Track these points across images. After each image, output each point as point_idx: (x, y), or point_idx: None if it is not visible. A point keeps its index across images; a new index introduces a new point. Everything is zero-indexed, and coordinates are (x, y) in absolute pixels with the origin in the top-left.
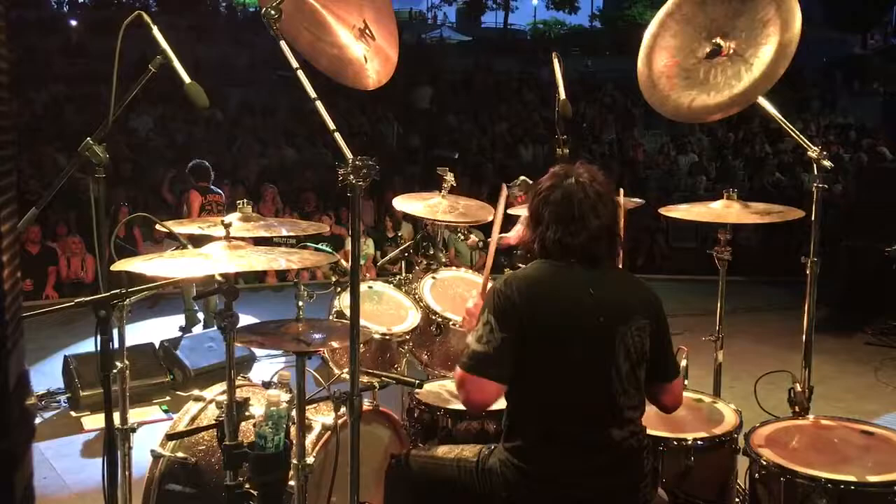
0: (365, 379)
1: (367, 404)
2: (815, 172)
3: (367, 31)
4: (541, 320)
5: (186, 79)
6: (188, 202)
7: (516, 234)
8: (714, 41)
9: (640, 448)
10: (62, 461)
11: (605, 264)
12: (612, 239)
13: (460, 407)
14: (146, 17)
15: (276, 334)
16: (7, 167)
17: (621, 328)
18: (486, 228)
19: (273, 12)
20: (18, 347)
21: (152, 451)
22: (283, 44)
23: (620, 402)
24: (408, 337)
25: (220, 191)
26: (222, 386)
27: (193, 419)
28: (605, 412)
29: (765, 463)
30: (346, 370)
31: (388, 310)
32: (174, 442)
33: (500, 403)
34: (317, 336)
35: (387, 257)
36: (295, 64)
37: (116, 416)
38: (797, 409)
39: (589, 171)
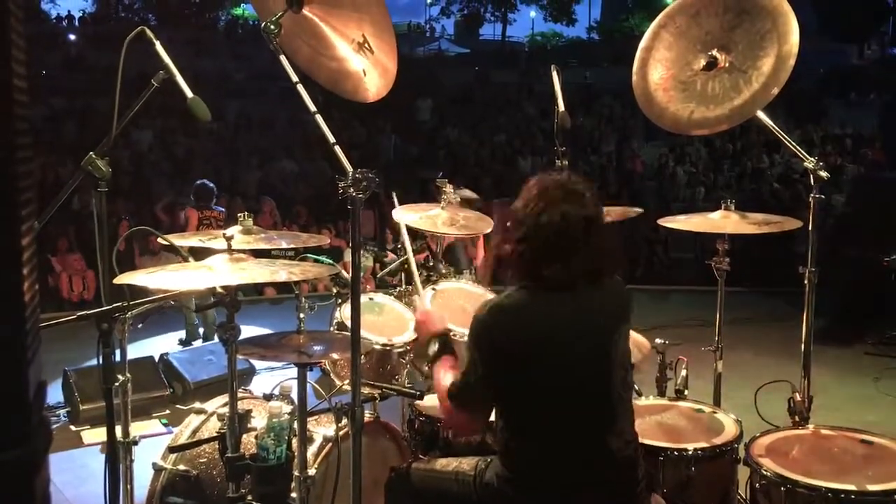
0: (366, 390)
1: (367, 416)
2: (813, 183)
3: (366, 44)
4: (529, 340)
5: (189, 93)
6: (186, 219)
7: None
8: (710, 53)
9: (637, 458)
10: (62, 475)
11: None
12: (613, 258)
13: None
14: (149, 33)
15: (278, 346)
16: (28, 182)
17: (614, 337)
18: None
19: (273, 27)
20: (37, 358)
21: (154, 464)
22: (282, 58)
23: (616, 411)
24: (409, 348)
25: (221, 208)
26: (223, 398)
27: (195, 432)
28: (601, 422)
29: (765, 472)
30: (346, 382)
31: (388, 321)
32: (176, 455)
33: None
34: (318, 348)
35: (386, 269)
36: (295, 78)
37: (118, 430)
38: (797, 418)
39: (577, 187)
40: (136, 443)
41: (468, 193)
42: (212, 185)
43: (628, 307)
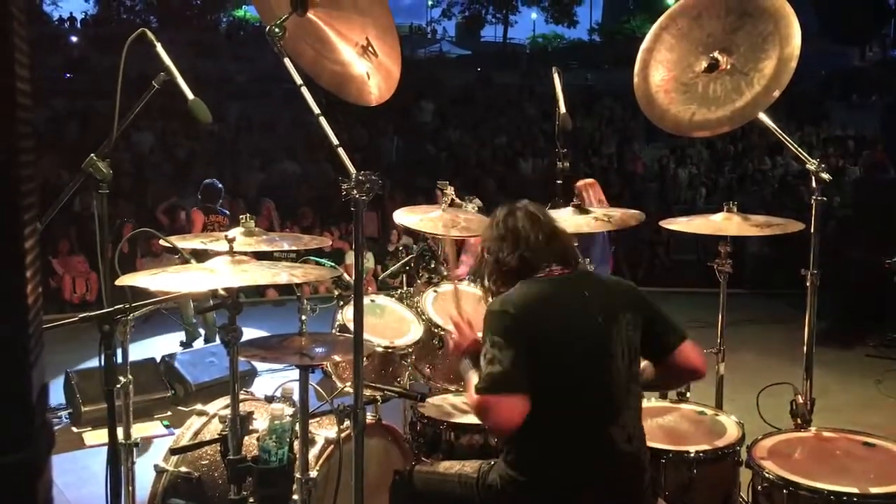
0: (368, 392)
1: (369, 418)
2: (815, 185)
3: (369, 48)
4: (541, 333)
5: (190, 95)
6: (191, 220)
7: (467, 267)
8: (711, 55)
9: (641, 458)
10: (64, 477)
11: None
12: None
13: (463, 420)
14: (150, 35)
15: (280, 348)
16: (31, 184)
17: (615, 327)
18: None
19: (277, 30)
20: (40, 361)
21: (156, 466)
22: (286, 61)
23: (619, 402)
24: (410, 350)
25: (226, 212)
26: (225, 400)
27: (196, 434)
28: (605, 413)
29: (767, 475)
30: (348, 384)
31: (390, 323)
32: (177, 456)
33: None
34: (320, 350)
35: (388, 271)
36: (299, 80)
37: (119, 431)
38: (799, 420)
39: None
40: (137, 444)
41: (479, 202)
42: (220, 185)
43: (633, 298)
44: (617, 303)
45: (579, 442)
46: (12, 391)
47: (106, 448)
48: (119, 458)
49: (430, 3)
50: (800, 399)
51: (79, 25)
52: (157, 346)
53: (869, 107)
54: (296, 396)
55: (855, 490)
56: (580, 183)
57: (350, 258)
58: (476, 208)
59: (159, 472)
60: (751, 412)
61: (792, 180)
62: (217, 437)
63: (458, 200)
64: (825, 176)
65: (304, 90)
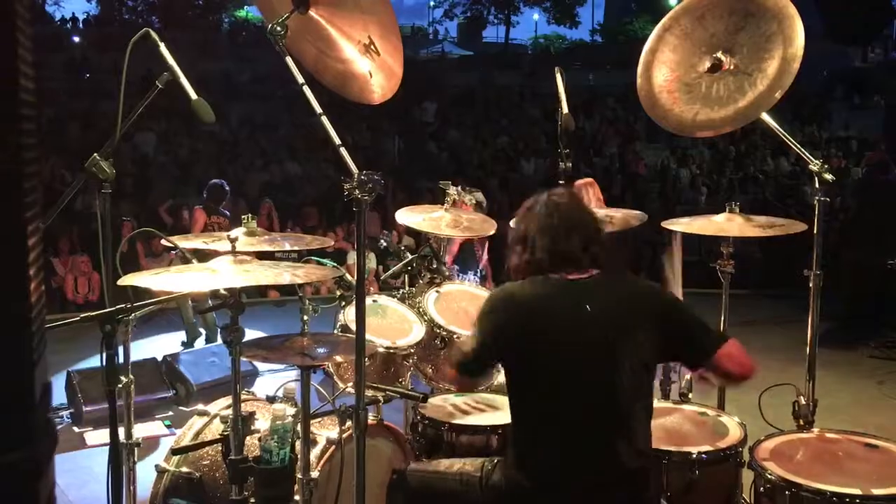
0: (370, 393)
1: (371, 418)
2: (817, 185)
3: (372, 46)
4: (534, 333)
5: (193, 95)
6: (193, 218)
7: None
8: (714, 56)
9: (647, 467)
10: (64, 476)
11: (606, 268)
12: (601, 243)
13: (464, 422)
14: (154, 35)
15: (282, 348)
16: (33, 183)
17: (623, 339)
18: None
19: (279, 28)
20: (43, 359)
21: (157, 466)
22: (288, 59)
23: (624, 413)
24: (412, 351)
25: (226, 213)
26: (226, 400)
27: (198, 434)
28: (610, 424)
29: (770, 476)
30: (350, 384)
31: (392, 323)
32: (179, 457)
33: (503, 418)
34: (322, 350)
35: (389, 271)
36: (301, 79)
37: (121, 431)
38: (801, 421)
39: (560, 190)
40: (138, 444)
41: (480, 196)
42: (227, 188)
43: (656, 307)
44: (634, 314)
45: (585, 449)
46: (15, 390)
47: (107, 448)
48: (120, 459)
49: (432, 3)
50: (802, 400)
51: (81, 26)
52: (159, 346)
53: (871, 107)
54: (297, 397)
55: (857, 491)
56: (578, 182)
57: (352, 258)
58: (474, 201)
59: (160, 472)
60: (753, 413)
61: (785, 181)
62: (219, 437)
63: (459, 193)
64: (828, 176)
65: (306, 89)
